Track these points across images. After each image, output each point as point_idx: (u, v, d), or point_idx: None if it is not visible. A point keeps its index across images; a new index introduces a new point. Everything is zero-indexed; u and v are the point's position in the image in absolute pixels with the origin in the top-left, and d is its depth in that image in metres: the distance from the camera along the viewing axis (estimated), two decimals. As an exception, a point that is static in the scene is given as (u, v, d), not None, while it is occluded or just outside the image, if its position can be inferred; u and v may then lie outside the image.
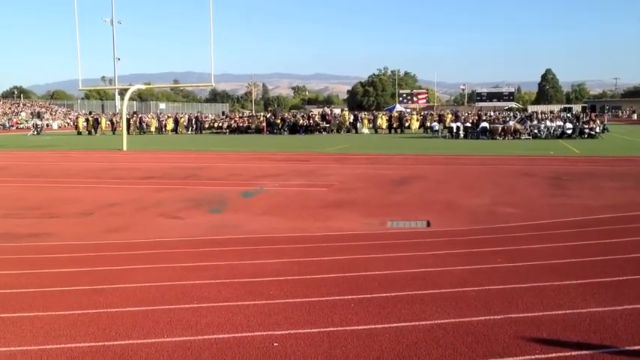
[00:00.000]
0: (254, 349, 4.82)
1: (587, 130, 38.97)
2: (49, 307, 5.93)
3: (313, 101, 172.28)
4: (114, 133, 54.22)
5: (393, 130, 50.84)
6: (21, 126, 78.65)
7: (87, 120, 59.04)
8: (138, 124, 57.75)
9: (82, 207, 12.66)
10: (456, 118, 48.11)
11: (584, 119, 44.92)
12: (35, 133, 57.87)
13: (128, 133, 54.31)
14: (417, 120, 53.67)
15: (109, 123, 60.68)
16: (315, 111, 72.85)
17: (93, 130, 56.00)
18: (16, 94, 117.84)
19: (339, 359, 4.63)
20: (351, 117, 55.22)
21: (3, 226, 10.69)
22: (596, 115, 52.30)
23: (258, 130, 51.89)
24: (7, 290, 6.57)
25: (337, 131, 50.89)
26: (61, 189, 15.97)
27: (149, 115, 68.41)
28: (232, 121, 57.02)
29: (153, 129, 57.58)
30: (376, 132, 51.65)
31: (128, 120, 57.98)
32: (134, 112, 69.18)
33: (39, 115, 78.23)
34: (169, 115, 66.89)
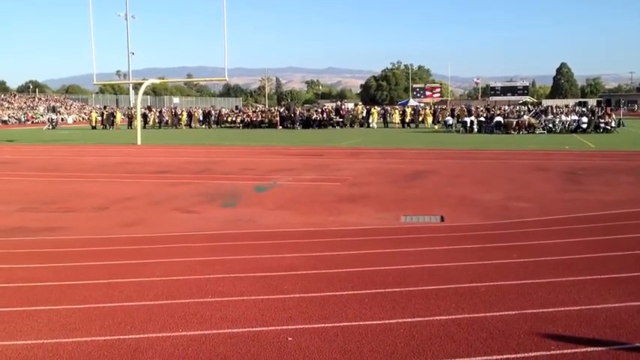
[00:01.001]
0: (268, 344, 4.84)
1: (602, 125, 38.67)
2: (65, 301, 5.97)
3: (326, 95, 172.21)
4: (129, 128, 54.41)
5: (406, 125, 50.65)
6: (36, 120, 79.19)
7: (102, 114, 59.38)
8: (157, 119, 58.00)
9: (97, 201, 12.74)
10: (469, 113, 47.91)
11: (600, 113, 44.53)
12: (50, 127, 58.31)
13: (144, 127, 54.84)
14: (430, 115, 53.25)
15: (124, 117, 61.01)
16: (329, 105, 72.76)
17: (108, 125, 56.33)
18: (32, 88, 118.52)
19: (353, 354, 4.63)
20: (365, 111, 55.08)
21: (19, 219, 10.78)
22: (611, 110, 51.85)
23: (272, 125, 51.94)
24: (24, 284, 6.62)
25: (350, 125, 50.82)
26: (76, 183, 16.07)
27: (166, 110, 68.52)
28: (245, 116, 57.10)
29: (169, 122, 57.71)
30: (386, 126, 51.44)
31: (145, 114, 58.48)
32: (149, 107, 69.51)
33: (54, 110, 78.65)
34: (183, 109, 67.01)
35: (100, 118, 57.66)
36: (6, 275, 7.00)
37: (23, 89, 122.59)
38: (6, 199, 13.14)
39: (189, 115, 58.13)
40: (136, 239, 9.14)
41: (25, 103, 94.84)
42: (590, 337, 4.88)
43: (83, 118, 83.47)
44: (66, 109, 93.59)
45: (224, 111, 67.39)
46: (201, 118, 58.43)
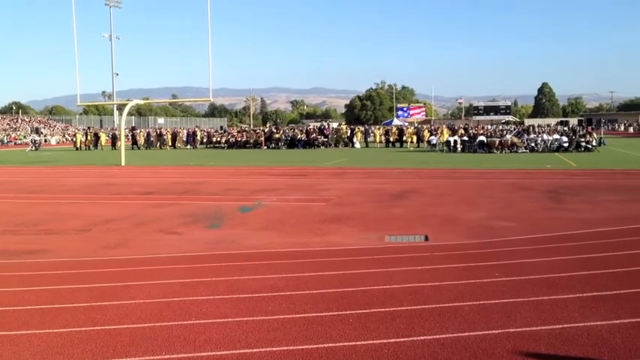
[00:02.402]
0: (252, 366, 4.82)
1: (583, 144, 39.07)
2: (47, 325, 5.92)
3: (311, 115, 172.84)
4: (114, 149, 54.19)
5: (390, 145, 50.84)
6: (19, 142, 78.73)
7: (85, 134, 59.16)
8: (145, 139, 57.80)
9: (80, 223, 12.66)
10: (453, 132, 48.23)
11: (581, 132, 45.06)
12: (33, 148, 57.92)
13: (138, 147, 54.61)
14: (413, 135, 53.37)
15: (108, 138, 60.83)
16: (313, 125, 72.95)
17: (92, 146, 56.14)
18: (15, 109, 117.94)
19: (337, 375, 4.63)
20: (349, 131, 55.26)
21: (0, 242, 10.68)
22: (592, 129, 52.50)
23: (257, 145, 51.98)
24: (5, 308, 6.56)
25: (335, 145, 50.97)
26: (59, 205, 15.97)
27: (153, 130, 68.26)
28: (230, 136, 57.12)
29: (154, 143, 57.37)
30: (367, 146, 51.57)
31: (134, 135, 58.30)
32: (133, 127, 69.31)
33: (37, 131, 78.38)
34: (168, 129, 66.90)
35: (83, 139, 57.44)
36: (-13, 299, 6.92)
37: (6, 110, 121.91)
38: (-12, 222, 13.01)
39: (174, 136, 57.99)
40: (119, 261, 9.08)
41: (8, 124, 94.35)
42: (572, 356, 4.91)
43: (67, 139, 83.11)
44: (49, 130, 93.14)
45: (212, 131, 67.48)
46: (185, 139, 58.28)
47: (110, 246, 10.28)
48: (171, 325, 5.85)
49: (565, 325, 5.65)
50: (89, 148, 55.64)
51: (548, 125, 64.90)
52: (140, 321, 6.01)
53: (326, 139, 51.32)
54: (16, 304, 6.72)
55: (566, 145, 39.00)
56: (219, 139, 58.09)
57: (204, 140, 59.32)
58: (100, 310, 6.41)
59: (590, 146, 38.86)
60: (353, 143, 51.39)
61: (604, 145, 43.77)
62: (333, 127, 58.80)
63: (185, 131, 63.05)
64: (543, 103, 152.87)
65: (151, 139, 57.95)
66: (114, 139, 57.54)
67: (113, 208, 15.22)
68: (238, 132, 60.52)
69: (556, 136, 41.54)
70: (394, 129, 55.42)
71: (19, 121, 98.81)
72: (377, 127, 65.39)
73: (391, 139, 51.51)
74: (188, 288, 7.28)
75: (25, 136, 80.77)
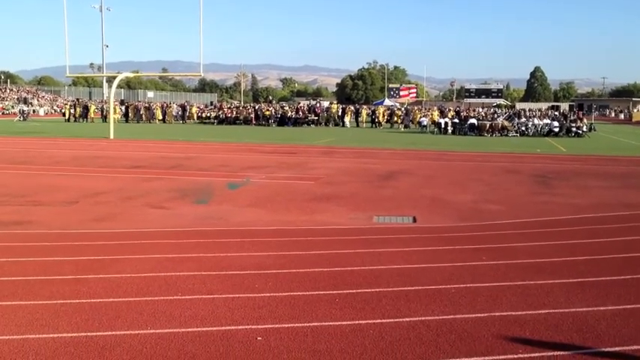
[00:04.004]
0: (238, 343, 4.82)
1: (574, 129, 39.15)
2: (32, 296, 5.89)
3: (302, 93, 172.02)
4: (104, 121, 53.75)
5: (377, 125, 50.65)
6: (7, 112, 78.00)
7: (74, 106, 58.65)
8: (134, 112, 57.18)
9: (67, 195, 12.58)
10: (442, 114, 48.21)
11: (572, 118, 45.14)
12: (21, 119, 57.47)
13: (127, 120, 54.16)
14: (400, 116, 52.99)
15: (97, 110, 60.33)
16: (303, 103, 72.68)
17: (81, 118, 55.71)
18: (3, 79, 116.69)
19: (322, 354, 4.63)
20: (340, 110, 55.06)
21: (-13, 212, 10.60)
22: (583, 114, 52.58)
23: (247, 121, 51.76)
24: (-10, 278, 6.52)
25: (325, 124, 50.83)
26: (47, 176, 15.86)
27: (144, 104, 67.62)
28: (221, 112, 56.80)
29: (144, 117, 56.51)
30: (358, 125, 51.38)
31: (127, 107, 57.79)
32: (122, 100, 68.80)
33: (25, 101, 77.67)
34: (157, 103, 66.44)
35: (72, 111, 56.92)
36: (-29, 269, 6.88)
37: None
38: (-26, 191, 12.91)
39: (164, 111, 57.38)
40: (106, 235, 9.03)
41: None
42: (556, 341, 4.93)
43: (55, 110, 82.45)
44: (38, 100, 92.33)
45: (201, 106, 67.11)
46: (176, 114, 57.64)
47: (97, 219, 10.22)
48: (157, 300, 5.83)
49: (550, 311, 5.68)
50: (77, 120, 55.21)
51: (540, 110, 64.89)
52: (126, 295, 5.99)
53: (316, 118, 51.15)
54: (1, 274, 6.68)
55: (556, 130, 39.05)
56: (209, 114, 57.75)
57: (201, 115, 58.76)
58: (85, 282, 6.38)
59: (580, 132, 38.93)
60: (343, 122, 51.24)
61: (594, 130, 43.89)
62: (324, 106, 58.55)
63: (175, 106, 62.51)
64: (535, 87, 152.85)
65: (141, 112, 57.40)
66: (103, 112, 57.07)
67: (101, 181, 15.13)
68: (228, 108, 60.13)
69: (547, 120, 41.59)
70: (381, 109, 55.13)
71: (7, 90, 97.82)
72: (365, 107, 65.02)
73: (379, 120, 51.26)
74: (174, 263, 7.26)
75: (13, 106, 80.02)
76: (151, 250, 7.99)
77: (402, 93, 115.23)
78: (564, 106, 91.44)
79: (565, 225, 10.19)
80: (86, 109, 57.79)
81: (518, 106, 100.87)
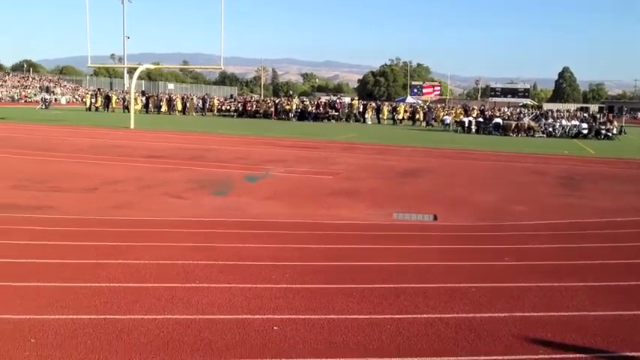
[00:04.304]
0: (254, 332, 4.78)
1: (603, 131, 38.27)
2: (53, 279, 5.92)
3: (323, 89, 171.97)
4: (126, 111, 53.97)
5: (398, 122, 50.48)
6: (29, 99, 78.69)
7: (95, 96, 59.00)
8: (155, 104, 57.21)
9: (86, 182, 12.63)
10: (466, 113, 47.84)
11: (601, 120, 44.24)
12: (43, 107, 57.90)
13: (147, 111, 54.36)
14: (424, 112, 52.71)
15: (119, 100, 60.58)
16: (324, 98, 72.53)
17: (103, 107, 56.03)
18: (26, 67, 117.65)
19: (338, 346, 4.58)
20: (361, 106, 54.87)
21: (9, 197, 10.68)
22: (613, 116, 51.65)
23: (267, 115, 51.76)
24: (13, 260, 6.58)
25: (346, 120, 50.67)
26: (67, 164, 15.95)
27: (165, 95, 67.71)
28: (240, 105, 56.82)
29: (164, 108, 56.46)
30: (379, 122, 51.18)
31: (147, 98, 58.00)
32: (142, 91, 69.10)
33: (47, 90, 78.26)
34: (177, 95, 66.60)
35: (93, 100, 57.23)
36: (-8, 251, 6.91)
37: (17, 68, 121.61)
38: (-5, 175, 13.01)
39: (184, 103, 57.32)
40: (125, 222, 9.05)
41: (19, 81, 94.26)
42: (578, 344, 4.83)
43: (77, 99, 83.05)
44: (60, 89, 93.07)
45: (221, 99, 67.21)
46: (196, 106, 57.52)
47: (116, 206, 10.24)
48: (175, 287, 5.81)
49: (573, 313, 5.57)
50: (97, 109, 55.55)
51: (568, 111, 63.92)
52: (144, 280, 5.99)
53: (337, 113, 50.99)
54: (23, 256, 6.72)
55: (585, 131, 38.28)
56: (228, 107, 57.81)
57: (222, 108, 58.79)
58: (105, 267, 6.38)
59: (610, 134, 38.06)
60: (364, 119, 51.06)
61: (625, 134, 42.78)
62: (345, 102, 58.33)
63: (195, 98, 62.51)
64: (564, 87, 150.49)
65: (161, 103, 57.50)
66: (124, 102, 57.25)
67: (120, 169, 15.18)
68: (248, 102, 60.14)
69: (575, 122, 40.89)
70: (402, 107, 54.86)
71: (30, 79, 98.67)
72: (386, 103, 64.68)
73: (399, 117, 51.08)
74: (192, 252, 7.24)
75: (35, 95, 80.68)
76: (169, 238, 7.99)
77: (425, 90, 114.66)
78: (594, 108, 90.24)
79: (590, 228, 10.04)
80: (107, 98, 58.08)
81: (546, 106, 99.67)
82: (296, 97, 62.00)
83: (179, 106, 56.33)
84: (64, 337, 4.53)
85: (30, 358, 4.17)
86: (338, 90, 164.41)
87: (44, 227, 8.39)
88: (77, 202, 10.54)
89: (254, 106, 55.42)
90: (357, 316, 5.26)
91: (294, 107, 52.90)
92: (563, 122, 40.56)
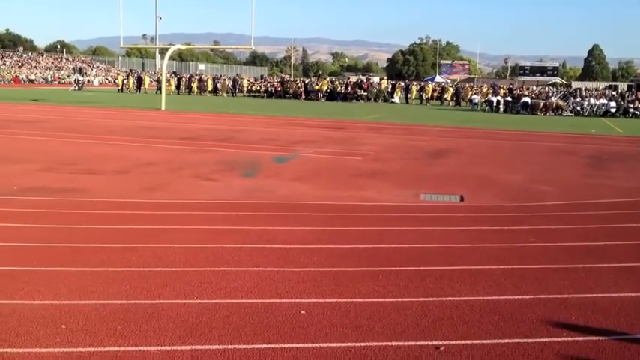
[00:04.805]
0: (281, 316, 4.87)
1: (632, 110, 37.91)
2: (83, 263, 6.05)
3: (352, 68, 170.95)
4: (159, 92, 54.35)
5: (426, 102, 50.11)
6: (63, 81, 79.69)
7: (127, 77, 59.50)
8: (186, 84, 57.40)
9: (118, 165, 12.84)
10: (494, 92, 47.34)
11: (630, 98, 43.65)
12: (76, 88, 58.65)
13: (178, 92, 54.72)
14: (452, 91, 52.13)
15: (152, 81, 60.96)
16: (353, 78, 72.23)
17: (135, 88, 56.49)
18: (59, 48, 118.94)
19: (364, 330, 4.66)
20: (390, 86, 54.58)
21: (41, 179, 10.90)
22: (642, 94, 50.75)
23: (296, 95, 51.79)
24: (42, 244, 6.72)
25: (375, 100, 50.49)
26: (99, 146, 16.20)
27: (196, 76, 67.79)
28: (270, 85, 56.89)
29: (195, 89, 56.51)
30: (407, 102, 50.79)
31: (179, 79, 58.33)
32: (174, 72, 69.45)
33: (80, 71, 79.13)
34: (209, 75, 66.83)
35: (126, 81, 57.73)
36: (26, 234, 7.10)
37: (51, 49, 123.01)
38: (29, 159, 13.28)
39: (215, 83, 57.47)
40: (156, 205, 9.20)
41: (53, 63, 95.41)
42: (602, 327, 4.85)
43: (109, 81, 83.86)
44: (92, 70, 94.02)
45: (251, 79, 67.26)
46: (231, 86, 57.42)
47: (147, 189, 10.42)
48: (204, 271, 5.93)
49: (597, 295, 5.58)
50: (130, 91, 56.05)
51: (596, 89, 62.93)
52: (174, 264, 6.11)
53: (366, 93, 50.79)
54: (53, 240, 6.87)
55: (613, 110, 37.90)
56: (258, 87, 57.90)
57: (252, 88, 58.84)
58: (135, 251, 6.52)
59: (638, 112, 37.71)
60: (393, 98, 50.82)
61: (654, 112, 42.27)
62: (374, 81, 58.05)
63: (228, 79, 62.51)
64: (593, 65, 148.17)
65: (192, 84, 57.71)
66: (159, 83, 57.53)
67: (152, 151, 15.39)
68: (278, 82, 60.18)
69: (603, 100, 40.38)
70: (430, 86, 54.33)
71: (64, 60, 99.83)
72: (415, 83, 64.09)
73: (427, 96, 50.69)
74: (221, 235, 7.35)
75: (68, 76, 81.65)
76: (199, 221, 8.12)
77: (454, 69, 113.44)
78: (622, 86, 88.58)
79: (617, 208, 9.96)
80: (139, 79, 58.55)
81: (575, 85, 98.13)
82: (327, 79, 61.67)
83: (210, 87, 56.54)
84: (94, 323, 4.64)
85: (61, 344, 4.28)
86: (367, 69, 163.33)
87: (75, 210, 8.57)
88: (108, 184, 10.74)
89: (285, 86, 55.32)
90: (383, 299, 5.32)
91: (325, 88, 52.76)
92: (592, 101, 40.02)
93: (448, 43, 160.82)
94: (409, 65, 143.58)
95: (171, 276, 5.75)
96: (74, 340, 4.33)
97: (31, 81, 77.47)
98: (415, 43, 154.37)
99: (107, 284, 5.47)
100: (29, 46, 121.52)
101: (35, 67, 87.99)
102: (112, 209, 8.71)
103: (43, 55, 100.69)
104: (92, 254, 6.38)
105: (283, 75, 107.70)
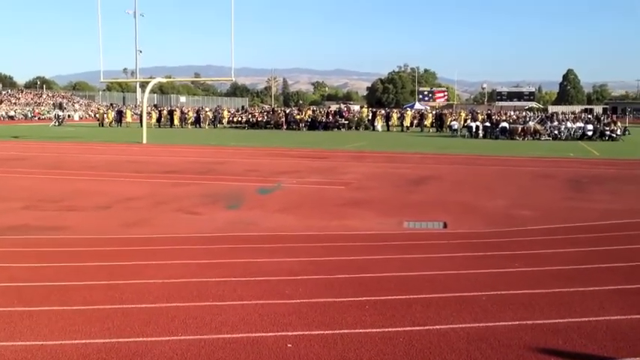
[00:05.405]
0: (268, 350, 4.83)
1: (607, 132, 38.51)
2: (65, 302, 5.97)
3: (333, 97, 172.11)
4: (141, 126, 54.19)
5: (406, 129, 50.47)
6: (43, 117, 79.31)
7: (107, 110, 59.34)
8: (168, 117, 57.34)
9: (100, 200, 12.75)
10: (473, 118, 47.81)
11: (605, 121, 44.36)
12: (57, 123, 58.31)
13: (159, 125, 54.67)
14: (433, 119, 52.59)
15: (135, 115, 60.80)
16: (334, 107, 72.64)
17: (115, 123, 56.35)
18: (39, 84, 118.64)
19: (352, 362, 4.62)
20: (370, 114, 54.97)
21: (22, 218, 10.79)
22: (617, 117, 51.67)
23: (278, 126, 51.94)
24: (24, 283, 6.63)
25: (356, 128, 50.75)
26: (80, 182, 16.08)
27: (177, 108, 67.71)
28: (251, 116, 57.02)
29: (176, 122, 56.55)
30: (388, 129, 51.15)
31: (160, 112, 58.33)
32: (155, 105, 69.46)
33: (60, 106, 78.77)
34: (190, 108, 66.87)
35: (106, 115, 57.56)
36: (7, 274, 7.01)
37: (30, 85, 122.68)
38: (10, 197, 13.16)
39: (198, 115, 57.49)
40: (138, 240, 9.14)
41: (32, 99, 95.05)
42: (589, 352, 4.85)
43: (90, 115, 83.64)
44: (72, 105, 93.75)
45: (232, 111, 67.39)
46: (212, 118, 57.43)
47: (130, 224, 10.34)
48: (189, 306, 5.87)
49: (583, 319, 5.59)
50: (110, 125, 55.93)
51: (573, 113, 63.90)
52: (158, 301, 6.04)
53: (347, 122, 51.05)
54: (35, 279, 6.79)
55: (590, 133, 38.48)
56: (239, 118, 58.02)
57: (233, 119, 59.01)
58: (118, 288, 6.45)
59: (614, 135, 38.26)
60: (374, 126, 51.13)
61: (629, 134, 42.94)
62: (354, 110, 58.43)
63: (210, 111, 62.53)
64: (568, 89, 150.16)
65: (173, 117, 57.60)
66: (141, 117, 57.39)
67: (133, 186, 15.31)
68: (259, 113, 60.38)
69: (580, 124, 41.03)
70: (408, 113, 54.80)
71: (44, 96, 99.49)
72: (395, 110, 64.60)
73: (406, 124, 51.13)
74: (206, 269, 7.31)
75: (48, 111, 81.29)
76: (183, 255, 8.06)
77: (436, 95, 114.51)
78: (598, 109, 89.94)
79: (599, 231, 10.04)
80: (119, 113, 58.41)
81: (551, 109, 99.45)
82: (310, 110, 61.96)
83: (191, 119, 56.57)
84: (78, 363, 4.57)
85: (46, 384, 4.21)
86: (347, 98, 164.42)
87: (56, 248, 8.49)
88: (90, 220, 10.65)
89: (265, 117, 55.51)
90: (369, 330, 5.30)
91: (306, 117, 53.00)
92: (569, 124, 40.73)
93: (426, 71, 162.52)
94: (389, 93, 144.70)
95: (154, 312, 5.69)
96: (57, 382, 4.25)
97: (11, 117, 77.02)
98: (394, 71, 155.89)
99: (90, 323, 5.39)
100: (8, 83, 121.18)
101: (15, 103, 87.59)
102: (93, 246, 8.64)
103: (22, 92, 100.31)
104: (74, 292, 6.30)
105: (264, 105, 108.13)
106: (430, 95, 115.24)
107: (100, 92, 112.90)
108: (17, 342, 4.96)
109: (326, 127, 49.99)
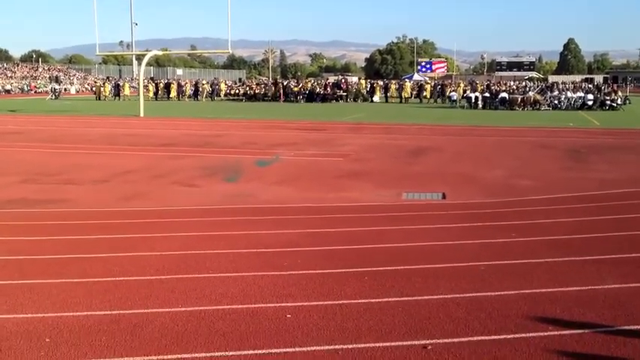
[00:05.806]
0: (267, 321, 4.85)
1: (608, 102, 38.29)
2: (66, 275, 5.99)
3: (331, 69, 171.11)
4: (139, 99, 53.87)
5: (405, 100, 50.20)
6: (39, 90, 78.89)
7: (104, 84, 58.98)
8: (165, 90, 57.05)
9: (98, 174, 12.73)
10: (472, 88, 47.57)
11: (606, 90, 44.10)
12: (53, 97, 58.00)
13: (156, 98, 54.40)
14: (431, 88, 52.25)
15: (133, 88, 60.40)
16: (332, 79, 72.23)
17: (112, 96, 56.02)
18: (35, 57, 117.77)
19: (350, 332, 4.64)
20: (368, 86, 54.68)
21: (20, 191, 10.78)
22: (618, 86, 51.41)
23: (275, 98, 51.69)
24: (24, 256, 6.64)
25: (354, 100, 50.54)
26: (78, 155, 16.06)
27: (174, 81, 67.40)
28: (249, 88, 56.73)
29: (173, 94, 56.31)
30: (387, 101, 50.93)
31: (156, 85, 57.98)
32: (151, 78, 69.10)
33: (57, 80, 78.39)
34: (187, 81, 66.49)
35: (102, 89, 57.22)
36: (6, 247, 7.02)
37: (26, 59, 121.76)
38: (7, 171, 13.14)
39: (195, 88, 57.21)
40: (137, 213, 9.14)
41: (28, 72, 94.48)
42: (587, 319, 4.88)
43: (86, 89, 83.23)
44: (69, 79, 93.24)
45: (229, 83, 67.02)
46: (209, 91, 57.20)
47: (128, 197, 10.34)
48: (188, 278, 5.89)
49: (581, 288, 5.62)
50: (107, 98, 55.65)
51: (573, 82, 63.51)
52: (158, 273, 6.06)
53: (345, 94, 50.79)
54: (34, 252, 6.80)
55: (590, 103, 38.27)
56: (237, 91, 57.73)
57: (230, 92, 58.66)
58: (117, 261, 6.46)
59: (614, 105, 38.03)
60: (372, 98, 50.91)
61: (629, 103, 42.63)
62: (352, 81, 58.11)
63: (208, 85, 62.18)
64: (569, 59, 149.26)
65: (170, 90, 57.30)
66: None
67: (131, 159, 15.29)
68: (257, 84, 60.04)
69: (580, 93, 40.77)
70: (407, 84, 54.47)
71: (40, 69, 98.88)
72: (393, 82, 64.20)
73: (406, 95, 50.78)
74: (205, 241, 7.32)
75: (45, 85, 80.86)
76: (181, 228, 8.07)
77: (434, 67, 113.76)
78: (598, 79, 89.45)
79: (598, 200, 10.04)
80: (117, 87, 58.04)
81: (551, 79, 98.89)
82: (309, 82, 61.45)
83: (188, 91, 56.30)
84: (78, 335, 4.58)
85: (45, 358, 4.23)
86: (346, 70, 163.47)
87: (55, 222, 8.49)
88: (89, 194, 10.65)
89: (262, 89, 55.18)
90: (368, 300, 5.32)
91: (303, 90, 52.66)
92: (569, 94, 40.44)
93: (425, 41, 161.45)
94: (387, 64, 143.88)
95: (154, 285, 5.71)
96: (59, 354, 4.28)
97: (7, 91, 76.53)
98: (392, 42, 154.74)
99: (90, 295, 5.41)
100: (4, 56, 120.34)
101: (11, 77, 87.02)
102: (92, 219, 8.64)
103: (18, 65, 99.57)
104: (75, 265, 6.31)
105: (262, 77, 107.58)
106: (429, 67, 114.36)
107: (96, 65, 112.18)
108: (19, 314, 4.98)
109: (324, 99, 49.71)
